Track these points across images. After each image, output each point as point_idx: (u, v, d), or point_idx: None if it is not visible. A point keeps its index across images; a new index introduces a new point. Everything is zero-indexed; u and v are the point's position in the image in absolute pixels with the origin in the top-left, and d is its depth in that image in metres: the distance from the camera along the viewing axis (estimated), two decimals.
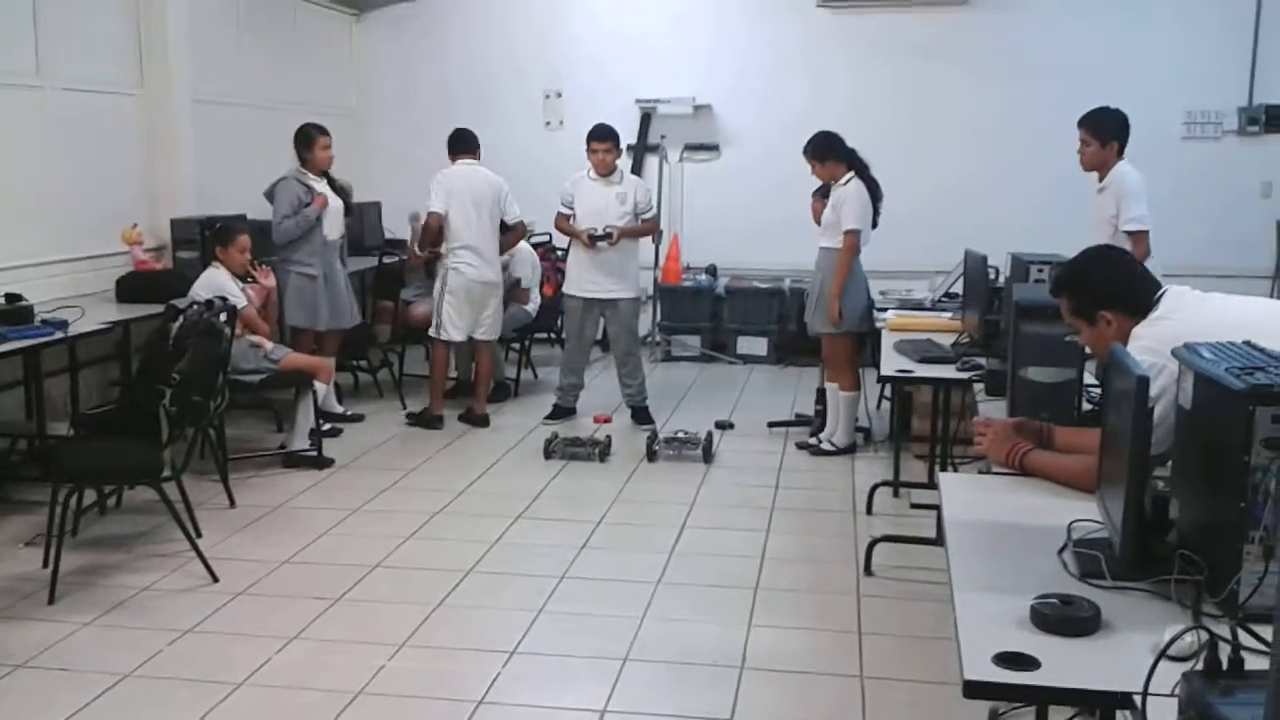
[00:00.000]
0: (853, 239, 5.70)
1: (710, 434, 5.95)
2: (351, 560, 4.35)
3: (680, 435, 5.89)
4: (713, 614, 3.91)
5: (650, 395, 6.64)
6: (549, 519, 4.89)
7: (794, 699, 3.30)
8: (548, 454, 5.65)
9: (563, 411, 6.58)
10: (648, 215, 6.47)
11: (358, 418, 6.48)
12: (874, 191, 5.77)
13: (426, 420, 6.44)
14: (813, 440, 6.04)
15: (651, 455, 5.79)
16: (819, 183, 5.97)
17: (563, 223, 6.45)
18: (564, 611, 3.92)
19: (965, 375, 4.12)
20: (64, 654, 3.54)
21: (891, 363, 4.40)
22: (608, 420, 6.42)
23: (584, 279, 6.40)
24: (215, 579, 4.13)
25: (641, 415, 6.55)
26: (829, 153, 5.81)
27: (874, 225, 5.82)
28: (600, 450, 5.71)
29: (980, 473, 2.93)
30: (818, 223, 5.92)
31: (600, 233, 6.25)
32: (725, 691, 3.33)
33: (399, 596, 4.02)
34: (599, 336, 6.80)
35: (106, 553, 4.42)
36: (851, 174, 5.76)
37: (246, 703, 3.26)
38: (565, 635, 3.73)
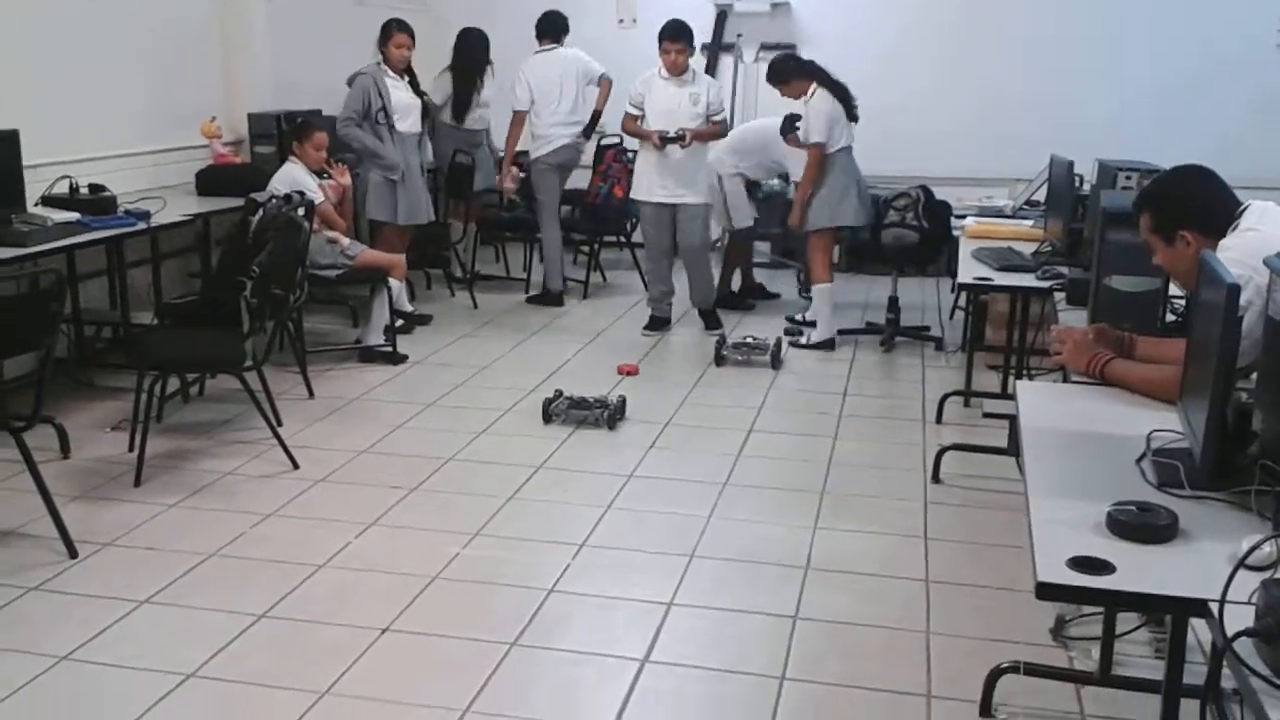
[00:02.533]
0: (817, 152, 5.96)
1: (779, 340, 5.94)
2: (426, 453, 4.44)
3: (749, 340, 5.89)
4: (778, 516, 3.94)
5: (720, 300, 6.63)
6: (619, 419, 4.94)
7: (858, 599, 3.34)
8: (547, 417, 4.80)
9: (659, 322, 6.44)
10: (718, 117, 6.27)
11: (425, 319, 6.54)
12: (843, 94, 6.03)
13: (550, 299, 7.00)
14: (801, 332, 6.36)
15: (719, 360, 5.80)
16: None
17: (631, 124, 6.31)
18: (631, 509, 3.98)
19: (1046, 284, 4.05)
20: (151, 533, 3.68)
21: (969, 270, 4.34)
22: (633, 372, 5.60)
23: (653, 184, 6.26)
24: (295, 466, 4.25)
25: (710, 319, 6.46)
26: (789, 73, 6.14)
27: (854, 120, 6.09)
28: (610, 414, 4.79)
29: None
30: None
31: (672, 135, 6.10)
32: (790, 590, 3.38)
33: (471, 489, 4.10)
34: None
35: (190, 438, 4.57)
36: (815, 86, 5.99)
37: (326, 584, 3.37)
38: (632, 531, 3.80)
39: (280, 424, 4.49)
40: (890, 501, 4.08)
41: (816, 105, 5.96)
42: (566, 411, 4.77)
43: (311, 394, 5.12)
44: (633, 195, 6.49)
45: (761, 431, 4.81)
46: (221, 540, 3.63)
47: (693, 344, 6.19)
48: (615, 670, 2.94)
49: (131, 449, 4.26)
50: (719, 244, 7.53)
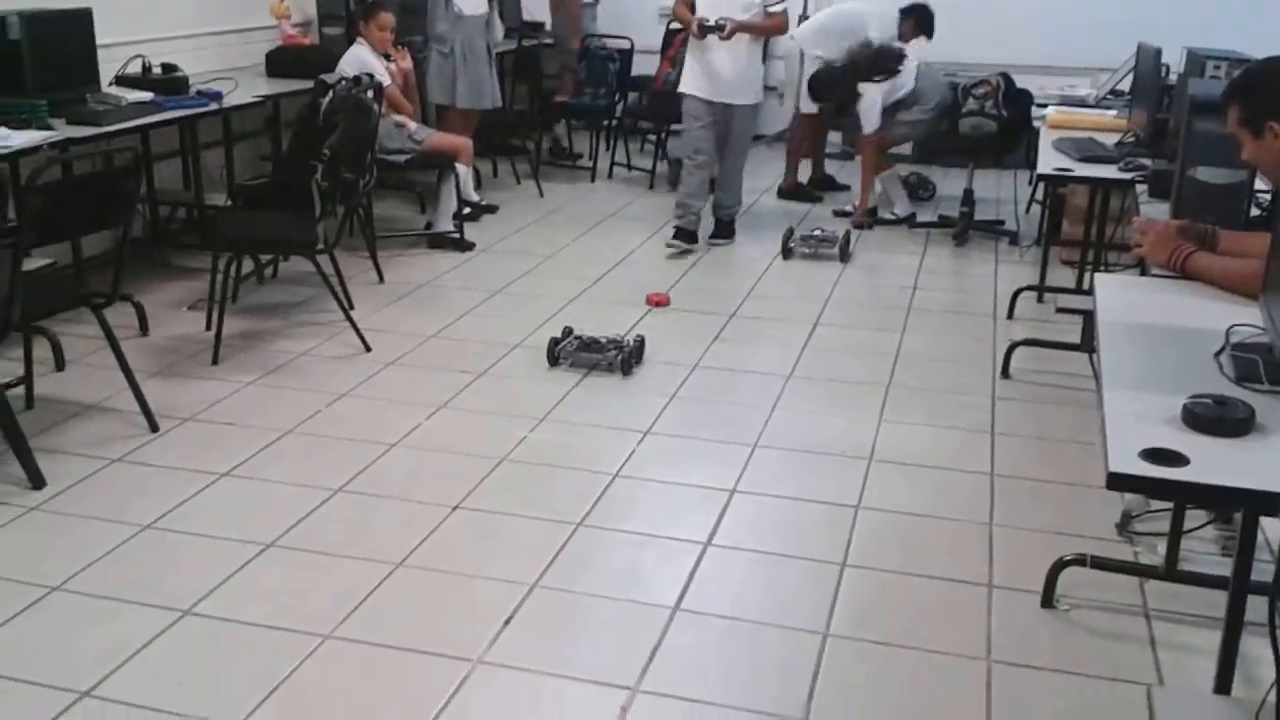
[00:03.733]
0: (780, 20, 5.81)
1: (848, 232, 5.87)
2: (493, 339, 4.49)
3: (817, 233, 5.82)
4: (843, 409, 3.94)
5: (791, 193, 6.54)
6: (682, 310, 4.94)
7: (922, 491, 3.35)
8: (553, 359, 4.20)
9: (686, 235, 5.77)
10: (776, 8, 5.64)
11: (492, 208, 6.51)
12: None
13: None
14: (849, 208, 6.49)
15: (787, 252, 5.75)
16: None
17: (682, 9, 5.74)
18: (695, 399, 4.01)
19: (1128, 176, 3.94)
20: (229, 410, 3.79)
21: (1049, 161, 4.23)
22: (663, 303, 4.96)
23: (702, 78, 5.68)
24: (368, 348, 4.32)
25: (725, 229, 5.98)
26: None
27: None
28: (623, 358, 4.14)
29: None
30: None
31: (712, 23, 5.52)
32: (853, 481, 3.39)
33: (538, 375, 4.15)
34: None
35: (265, 319, 4.65)
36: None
37: (398, 461, 3.46)
38: (696, 421, 3.82)
39: (352, 307, 4.55)
40: (957, 396, 4.05)
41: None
42: (575, 354, 4.20)
43: (381, 279, 5.18)
44: (680, 88, 5.82)
45: (828, 325, 4.78)
46: (297, 418, 3.72)
47: (755, 238, 6.13)
48: (678, 552, 2.99)
49: (208, 328, 4.36)
50: (787, 133, 7.41)
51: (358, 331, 4.36)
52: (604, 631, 2.65)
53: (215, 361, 4.16)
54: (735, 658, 2.57)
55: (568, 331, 4.33)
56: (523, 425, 3.70)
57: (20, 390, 3.72)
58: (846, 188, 7.08)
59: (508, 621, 2.66)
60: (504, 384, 4.08)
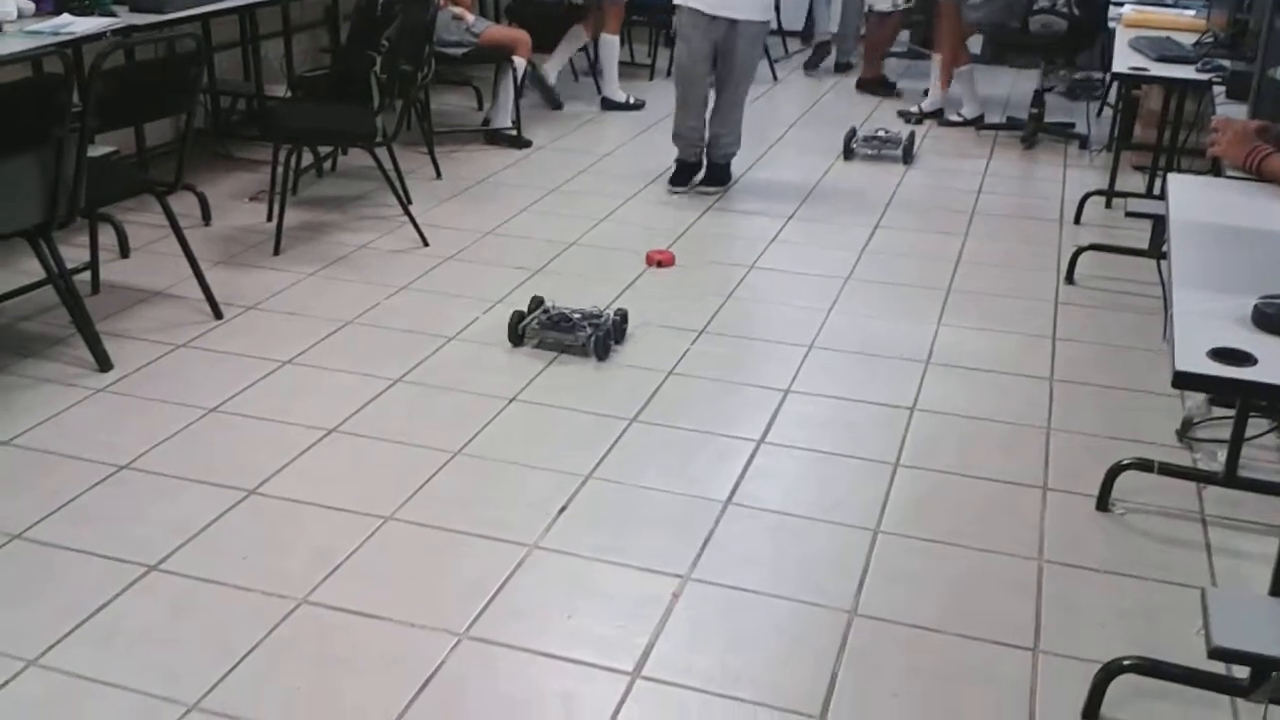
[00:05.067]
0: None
1: (912, 134, 5.75)
2: (550, 236, 4.48)
3: (880, 134, 5.71)
4: (901, 311, 3.91)
5: (844, 92, 6.37)
6: (739, 210, 4.89)
7: (979, 394, 3.32)
8: (517, 338, 3.51)
9: (687, 171, 5.05)
10: None
11: (639, 105, 6.46)
12: None
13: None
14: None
15: (848, 153, 5.65)
16: None
17: None
18: (751, 299, 3.99)
19: (1205, 77, 3.80)
20: (291, 299, 3.83)
21: (1124, 60, 4.09)
22: (666, 262, 4.21)
23: None
24: (425, 243, 4.34)
25: (719, 174, 5.10)
26: None
27: None
28: (597, 337, 3.43)
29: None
30: None
31: None
32: (909, 383, 3.38)
33: (595, 273, 4.14)
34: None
35: (324, 212, 4.68)
36: None
37: (456, 354, 3.49)
38: (750, 321, 3.81)
39: (410, 202, 4.56)
40: (1019, 301, 3.99)
41: None
42: (541, 333, 3.53)
43: (439, 174, 5.17)
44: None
45: (888, 228, 4.72)
46: (357, 309, 3.76)
47: (816, 136, 6.02)
48: (732, 449, 3.01)
49: (269, 219, 4.40)
50: (860, 30, 7.26)
51: (416, 226, 4.37)
52: (656, 522, 2.68)
53: (276, 252, 4.20)
54: (785, 550, 2.60)
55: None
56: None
57: (86, 275, 3.79)
58: (899, 94, 6.94)
59: (562, 510, 2.71)
60: (560, 280, 4.08)
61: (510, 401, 3.20)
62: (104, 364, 3.29)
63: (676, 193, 5.01)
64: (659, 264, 4.17)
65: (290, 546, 2.54)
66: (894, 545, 2.61)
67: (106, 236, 4.04)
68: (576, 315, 3.51)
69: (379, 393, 3.23)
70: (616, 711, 2.10)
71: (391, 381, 3.29)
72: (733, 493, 2.81)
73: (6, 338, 3.49)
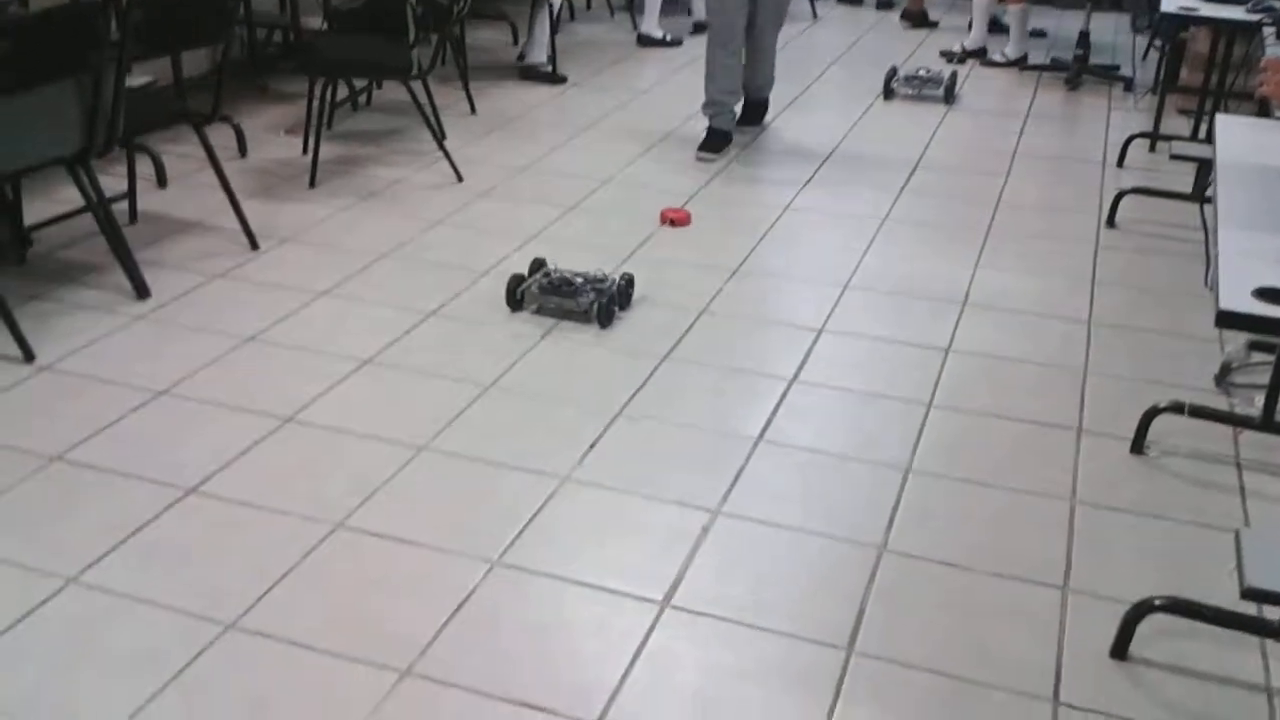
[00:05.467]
0: None
1: (954, 73, 5.66)
2: (584, 173, 4.46)
3: (921, 73, 5.62)
4: (939, 252, 3.87)
5: (885, 30, 6.28)
6: (772, 150, 4.84)
7: (1015, 336, 3.30)
8: (514, 303, 3.32)
9: (719, 139, 4.70)
10: None
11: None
12: None
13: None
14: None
15: (889, 93, 5.57)
16: None
17: None
18: (786, 240, 3.96)
19: (1256, 18, 3.72)
20: (326, 232, 3.84)
21: (1173, 0, 4.00)
22: (680, 221, 3.99)
23: None
24: (460, 178, 4.33)
25: (755, 112, 5.04)
26: None
27: None
28: (600, 304, 3.22)
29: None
30: None
31: None
32: (944, 324, 3.35)
33: (628, 211, 4.12)
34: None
35: (359, 146, 4.68)
36: None
37: (489, 289, 3.48)
38: (786, 261, 3.79)
39: (444, 137, 4.54)
40: (1059, 244, 3.94)
41: None
42: (540, 298, 3.33)
43: (474, 110, 5.15)
44: None
45: (928, 168, 4.66)
46: (391, 243, 3.77)
47: (855, 76, 5.93)
48: (764, 387, 3.01)
49: (305, 152, 4.40)
50: None
51: (450, 161, 4.36)
52: (687, 457, 2.69)
53: (312, 185, 4.21)
54: (816, 487, 2.60)
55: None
56: (613, 260, 3.70)
57: (124, 205, 3.82)
58: (935, 24, 6.85)
59: (594, 445, 2.72)
60: (595, 218, 4.07)
61: (542, 338, 3.20)
62: (142, 292, 3.32)
63: (707, 159, 4.62)
64: (672, 223, 3.98)
65: (327, 473, 2.57)
66: (925, 484, 2.61)
67: (144, 167, 4.06)
68: (579, 279, 3.31)
69: (414, 325, 3.24)
70: (646, 638, 2.12)
71: (426, 315, 3.30)
72: (764, 430, 2.81)
73: (46, 265, 3.52)
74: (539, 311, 3.31)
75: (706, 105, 4.73)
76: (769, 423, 2.84)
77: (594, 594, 2.23)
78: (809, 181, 4.48)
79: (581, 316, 3.28)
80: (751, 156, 4.72)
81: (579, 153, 4.72)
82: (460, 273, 3.57)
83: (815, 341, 3.25)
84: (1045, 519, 2.50)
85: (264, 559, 2.28)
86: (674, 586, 2.26)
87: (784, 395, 2.97)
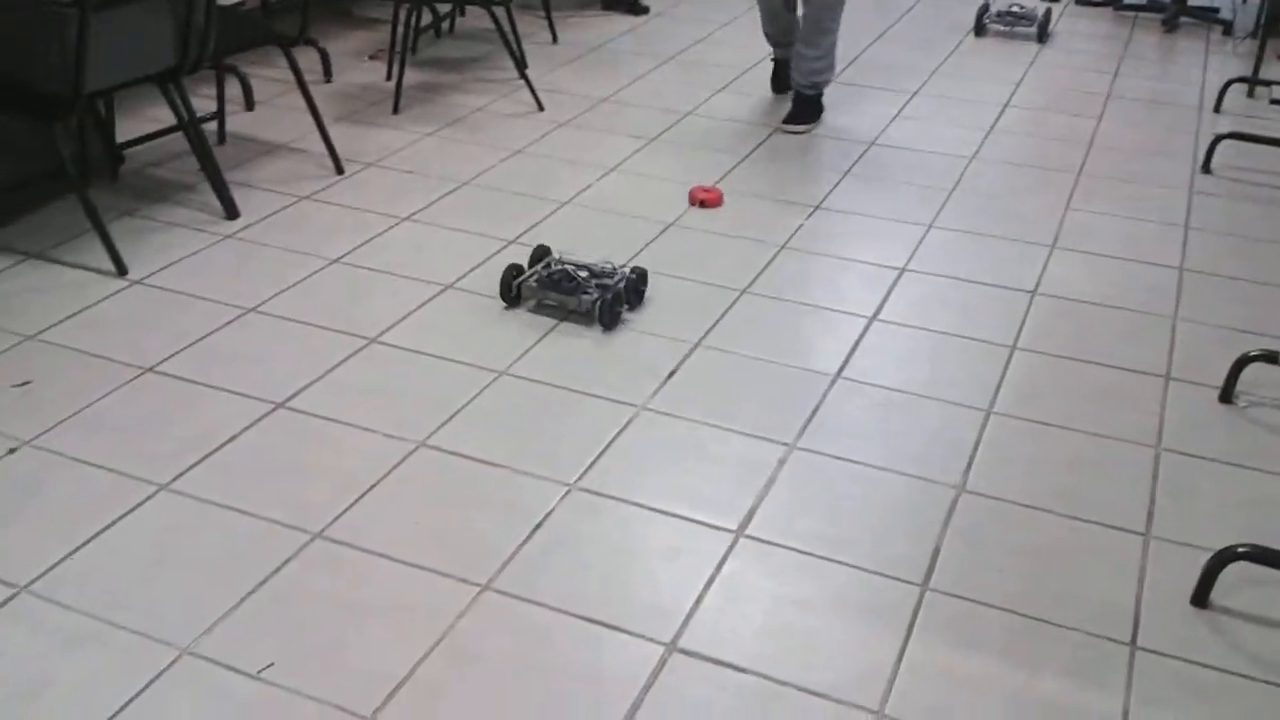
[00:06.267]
0: None
1: (1048, 10, 5.50)
2: (665, 105, 4.42)
3: (1015, 9, 5.47)
4: (1027, 193, 3.79)
5: None
6: (863, 84, 4.75)
7: (1104, 281, 3.23)
8: (510, 297, 2.96)
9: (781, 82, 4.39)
10: None
11: None
12: None
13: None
14: None
15: (980, 29, 5.43)
16: None
17: None
18: (870, 175, 3.90)
19: None
20: (410, 158, 3.87)
21: None
22: (710, 201, 3.58)
23: None
24: (541, 108, 4.32)
25: (803, 109, 4.21)
26: None
27: None
28: (603, 302, 2.87)
29: None
30: None
31: None
32: (1031, 266, 3.29)
33: (710, 143, 4.09)
34: None
35: (442, 73, 4.68)
36: None
37: (570, 219, 3.50)
38: (870, 197, 3.73)
39: (526, 66, 4.53)
40: (1152, 188, 3.84)
41: None
42: (538, 293, 2.98)
43: (555, 39, 5.12)
44: None
45: (1018, 107, 4.55)
46: (475, 170, 3.78)
47: (944, 12, 5.79)
48: (843, 325, 2.98)
49: (388, 78, 4.43)
50: None
51: (532, 90, 4.35)
52: (764, 391, 2.69)
53: (395, 111, 4.23)
54: (894, 426, 2.59)
55: None
56: (668, 215, 3.68)
57: (213, 126, 3.87)
58: None
59: (671, 374, 2.73)
60: (675, 150, 4.04)
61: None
62: (231, 212, 3.38)
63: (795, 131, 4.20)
64: (702, 204, 3.58)
65: (410, 393, 2.61)
66: (1006, 426, 2.58)
67: (232, 89, 4.11)
68: (583, 274, 2.97)
69: (494, 253, 3.26)
70: (719, 566, 2.14)
71: (506, 243, 3.32)
72: (842, 367, 2.79)
73: (137, 182, 3.60)
74: (536, 308, 2.94)
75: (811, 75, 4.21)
76: (847, 360, 2.82)
77: (669, 521, 2.25)
78: (896, 117, 4.40)
79: (575, 315, 2.93)
80: (836, 91, 4.64)
81: (660, 84, 4.68)
82: (539, 202, 3.57)
83: (897, 280, 3.21)
84: (1129, 465, 2.46)
85: (349, 473, 2.33)
86: (748, 517, 2.27)
87: (863, 333, 2.94)
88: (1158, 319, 3.03)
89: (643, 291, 3.04)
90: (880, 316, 3.03)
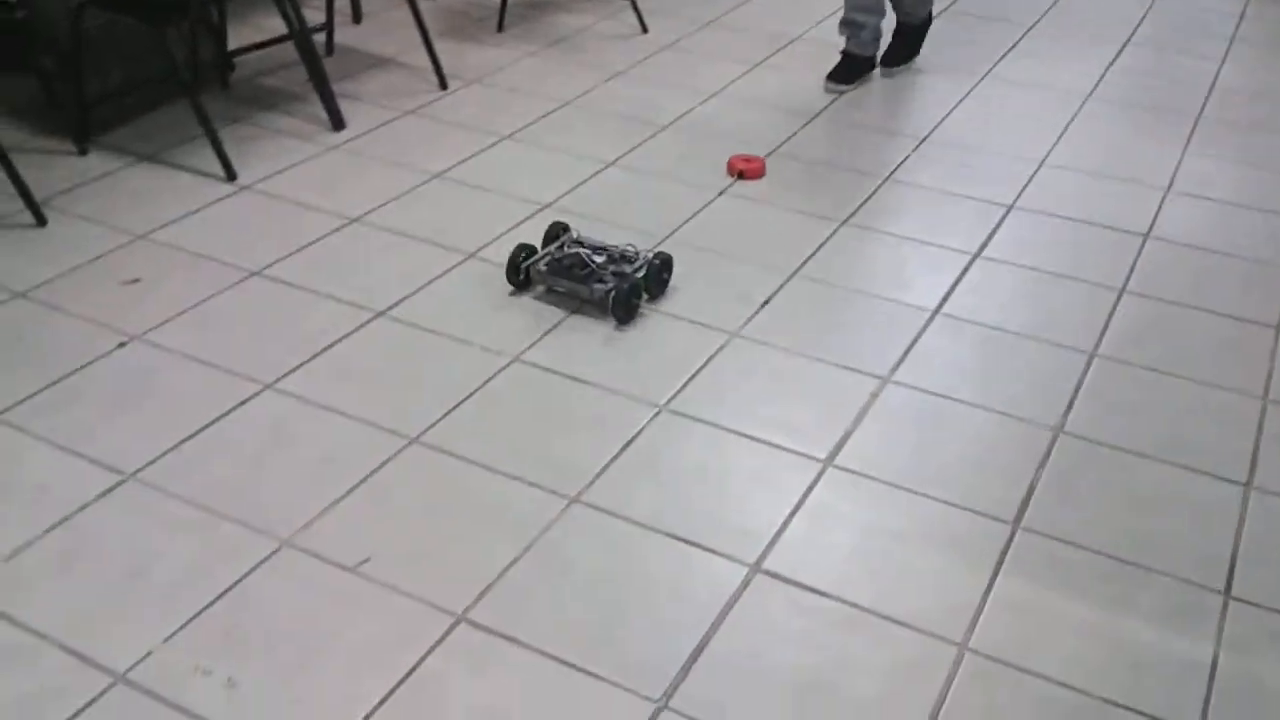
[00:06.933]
0: None
1: None
2: (773, 30, 4.35)
3: None
4: (1143, 134, 3.66)
5: None
6: (974, 14, 4.61)
7: (1221, 227, 3.11)
8: (519, 279, 2.69)
9: (856, 66, 3.87)
10: None
11: None
12: None
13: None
14: None
15: None
16: None
17: None
18: (981, 109, 3.79)
19: None
20: (512, 76, 3.86)
21: None
22: (751, 172, 3.25)
23: None
24: (644, 29, 4.28)
25: (902, 46, 3.99)
26: None
27: None
28: (618, 293, 2.56)
29: None
30: None
31: None
32: (1145, 210, 3.19)
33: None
34: None
35: None
36: None
37: (670, 141, 3.46)
38: (979, 131, 3.64)
39: None
40: (1276, 136, 3.68)
41: None
42: (546, 276, 2.67)
43: None
44: None
45: (1139, 45, 4.37)
46: (575, 90, 3.77)
47: None
48: (945, 259, 2.93)
49: None
50: None
51: (637, 11, 4.30)
52: (860, 324, 2.66)
53: (500, 29, 4.22)
54: (993, 364, 2.54)
55: None
56: (795, 120, 3.63)
57: (321, 37, 3.91)
58: None
59: (766, 302, 2.71)
60: (780, 74, 3.97)
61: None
62: (337, 123, 3.42)
63: (837, 91, 3.86)
64: (741, 174, 3.26)
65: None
66: (1110, 370, 2.52)
67: (340, 1, 4.13)
68: (599, 258, 2.68)
69: (594, 173, 3.26)
70: (806, 493, 2.14)
71: (606, 164, 3.31)
72: (942, 302, 2.75)
73: (247, 90, 3.65)
74: (544, 297, 2.69)
75: (843, 24, 3.89)
76: (948, 296, 2.77)
77: (757, 446, 2.25)
78: (1010, 49, 4.26)
79: (586, 304, 2.64)
80: (949, 22, 4.51)
81: (765, 9, 4.59)
82: (639, 125, 3.55)
83: (1004, 217, 3.13)
84: (1233, 415, 2.39)
85: (446, 383, 2.37)
86: (838, 447, 2.26)
87: (966, 269, 2.89)
88: (1272, 269, 2.92)
89: (666, 280, 2.73)
90: (985, 253, 2.96)
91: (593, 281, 2.62)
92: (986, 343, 2.62)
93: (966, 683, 1.78)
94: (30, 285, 2.64)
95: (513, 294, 2.70)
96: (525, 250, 2.68)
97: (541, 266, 2.66)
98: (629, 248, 2.73)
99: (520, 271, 2.68)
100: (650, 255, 2.70)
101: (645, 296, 2.67)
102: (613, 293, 2.57)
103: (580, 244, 2.75)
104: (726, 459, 2.22)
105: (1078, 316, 2.71)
